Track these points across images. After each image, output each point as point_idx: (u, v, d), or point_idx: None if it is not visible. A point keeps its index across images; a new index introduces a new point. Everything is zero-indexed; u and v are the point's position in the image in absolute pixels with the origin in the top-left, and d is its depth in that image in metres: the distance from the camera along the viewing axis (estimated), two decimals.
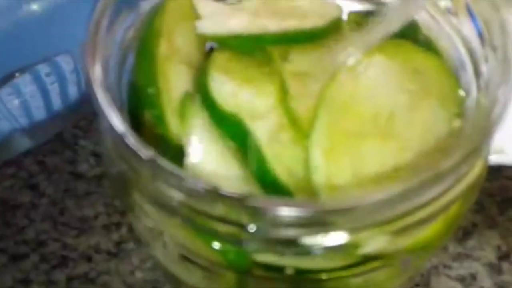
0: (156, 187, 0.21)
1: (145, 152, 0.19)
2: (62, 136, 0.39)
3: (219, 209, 0.20)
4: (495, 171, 0.36)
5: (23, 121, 0.35)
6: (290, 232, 0.21)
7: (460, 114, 0.24)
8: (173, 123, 0.22)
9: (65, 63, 0.32)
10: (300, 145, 0.23)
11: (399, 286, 0.27)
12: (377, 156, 0.22)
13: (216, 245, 0.22)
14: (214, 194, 0.19)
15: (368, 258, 0.23)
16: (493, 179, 0.37)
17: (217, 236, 0.21)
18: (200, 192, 0.19)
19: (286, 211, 0.19)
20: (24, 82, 0.33)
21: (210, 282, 0.24)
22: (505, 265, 0.34)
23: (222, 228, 0.21)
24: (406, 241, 0.23)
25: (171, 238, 0.24)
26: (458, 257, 0.34)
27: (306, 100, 0.23)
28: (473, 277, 0.34)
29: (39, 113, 0.35)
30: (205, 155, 0.22)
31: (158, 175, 0.20)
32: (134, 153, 0.20)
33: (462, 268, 0.34)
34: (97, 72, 0.22)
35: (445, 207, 0.23)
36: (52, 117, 0.36)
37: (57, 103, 0.35)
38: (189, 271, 0.25)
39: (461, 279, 0.34)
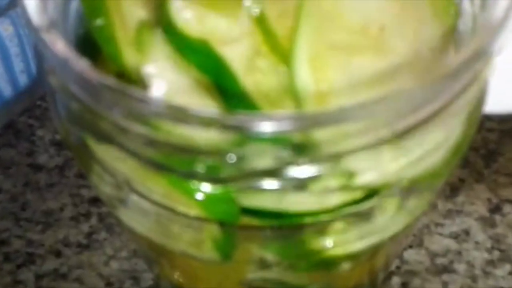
0: (119, 125, 0.18)
1: (100, 77, 0.17)
2: (16, 128, 0.36)
3: (195, 137, 0.17)
4: None
5: None
6: (275, 160, 0.18)
7: (455, 24, 0.22)
8: (130, 57, 0.20)
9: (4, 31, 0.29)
10: (281, 70, 0.20)
11: (398, 231, 0.25)
12: (369, 71, 0.20)
13: (200, 195, 0.19)
14: (189, 115, 0.16)
15: (365, 196, 0.21)
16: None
17: (194, 175, 0.19)
18: (171, 114, 0.16)
19: (272, 126, 0.16)
20: None
21: (193, 239, 0.21)
22: (497, 218, 0.33)
23: (199, 164, 0.18)
24: (407, 169, 0.21)
25: (144, 198, 0.21)
26: (449, 214, 0.33)
27: (283, 21, 0.20)
28: (467, 232, 0.33)
29: None
30: (169, 86, 0.19)
31: (120, 103, 0.17)
32: (88, 82, 0.17)
33: (455, 225, 0.33)
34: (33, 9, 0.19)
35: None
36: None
37: (5, 87, 0.32)
38: (169, 233, 0.22)
39: (455, 236, 0.32)
